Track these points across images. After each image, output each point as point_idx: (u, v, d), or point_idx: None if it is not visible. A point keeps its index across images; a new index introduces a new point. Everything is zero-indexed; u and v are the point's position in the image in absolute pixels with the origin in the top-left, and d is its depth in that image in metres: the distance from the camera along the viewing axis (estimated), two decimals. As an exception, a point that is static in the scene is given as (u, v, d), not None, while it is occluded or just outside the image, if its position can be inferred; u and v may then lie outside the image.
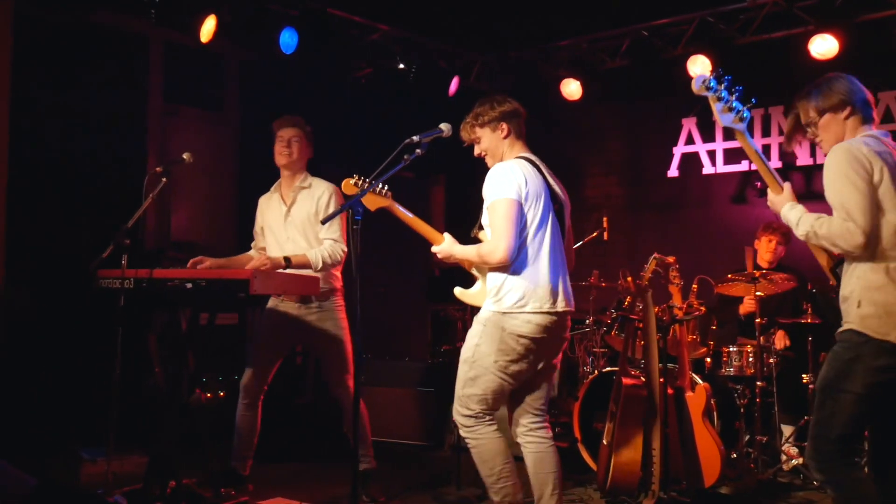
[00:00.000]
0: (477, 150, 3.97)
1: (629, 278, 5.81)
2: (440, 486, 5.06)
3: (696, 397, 4.79)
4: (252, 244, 5.03)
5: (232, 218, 7.16)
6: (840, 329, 3.19)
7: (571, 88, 7.63)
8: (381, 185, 3.86)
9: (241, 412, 4.79)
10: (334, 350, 4.79)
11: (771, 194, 3.37)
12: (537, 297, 3.67)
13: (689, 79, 6.98)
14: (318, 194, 4.77)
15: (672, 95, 7.56)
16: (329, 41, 6.77)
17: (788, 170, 6.95)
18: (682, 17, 6.95)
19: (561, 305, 3.73)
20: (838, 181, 3.12)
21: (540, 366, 3.77)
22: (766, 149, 7.09)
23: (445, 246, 3.86)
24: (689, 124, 7.65)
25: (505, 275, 3.70)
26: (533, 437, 3.85)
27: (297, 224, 4.78)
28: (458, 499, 4.88)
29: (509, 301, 3.67)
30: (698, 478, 4.68)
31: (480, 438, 3.72)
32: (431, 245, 3.94)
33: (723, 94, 3.30)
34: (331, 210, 4.71)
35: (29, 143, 5.53)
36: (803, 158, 7.02)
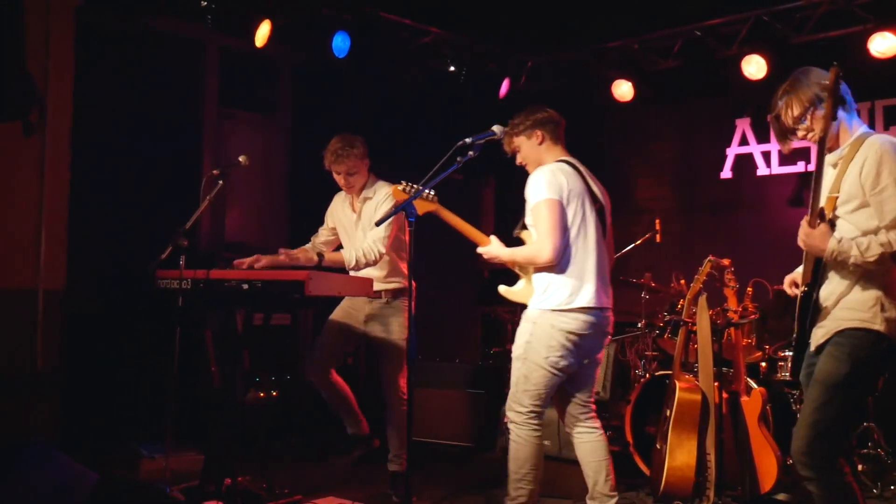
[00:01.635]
0: (518, 159, 4.15)
1: (682, 281, 5.77)
2: (491, 488, 5.05)
3: (752, 402, 4.73)
4: (313, 237, 5.16)
5: (283, 220, 7.24)
6: (852, 326, 3.08)
7: (623, 90, 7.59)
8: (427, 191, 4.02)
9: (323, 391, 4.97)
10: (393, 349, 4.89)
11: (808, 227, 3.12)
12: (583, 295, 3.83)
13: (743, 79, 6.98)
14: (378, 200, 4.90)
15: (725, 96, 7.47)
16: (381, 44, 6.82)
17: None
18: (736, 16, 6.85)
19: (605, 302, 3.90)
20: None
21: (585, 361, 3.94)
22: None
23: (492, 248, 4.03)
24: (743, 125, 7.55)
25: (552, 274, 3.85)
26: (584, 427, 4.05)
27: (365, 231, 4.90)
28: (510, 501, 4.87)
29: (557, 299, 3.82)
30: (754, 483, 4.63)
31: (522, 437, 3.89)
32: (478, 247, 4.09)
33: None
34: (383, 209, 4.80)
35: (89, 145, 5.65)
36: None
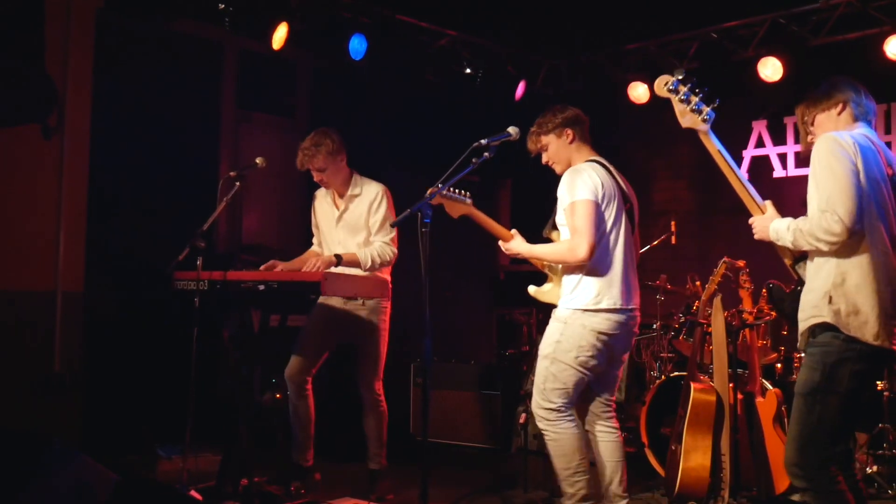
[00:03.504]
0: (544, 159, 4.12)
1: (698, 282, 5.76)
2: (507, 489, 5.07)
3: (767, 403, 4.72)
4: (313, 239, 5.15)
5: (301, 222, 7.24)
6: (811, 323, 3.13)
7: (639, 92, 7.58)
8: (460, 191, 3.98)
9: (291, 402, 4.89)
10: (369, 350, 4.85)
11: (754, 218, 3.32)
12: (611, 295, 3.84)
13: (760, 81, 6.96)
14: (369, 198, 4.83)
15: (742, 98, 7.45)
16: (398, 47, 6.84)
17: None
18: (752, 18, 6.84)
19: (633, 302, 3.91)
20: (821, 171, 3.10)
21: (612, 361, 3.95)
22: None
23: (514, 244, 4.03)
24: (760, 127, 7.53)
25: (580, 273, 3.86)
26: (604, 426, 4.05)
27: (349, 228, 4.87)
28: (526, 501, 4.88)
29: (585, 299, 3.83)
30: (769, 484, 4.62)
31: (561, 433, 3.85)
32: (499, 241, 4.08)
33: (684, 96, 3.34)
34: (381, 211, 4.79)
35: (108, 147, 5.70)
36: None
